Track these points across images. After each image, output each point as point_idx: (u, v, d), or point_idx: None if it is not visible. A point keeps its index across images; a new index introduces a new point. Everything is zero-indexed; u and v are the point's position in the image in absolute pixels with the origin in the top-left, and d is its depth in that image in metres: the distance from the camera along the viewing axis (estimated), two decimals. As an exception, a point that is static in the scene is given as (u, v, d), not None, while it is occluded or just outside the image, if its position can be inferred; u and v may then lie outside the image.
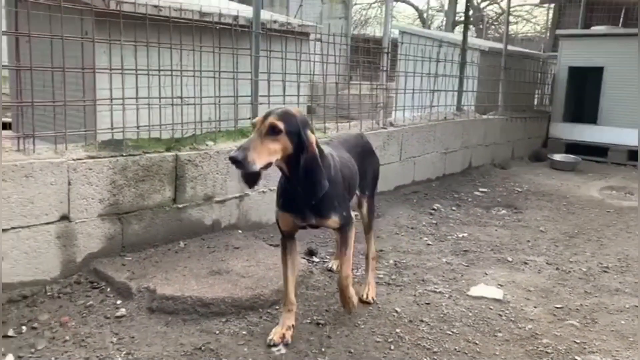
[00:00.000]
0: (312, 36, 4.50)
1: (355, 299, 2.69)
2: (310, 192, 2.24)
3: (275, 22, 4.19)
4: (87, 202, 2.97)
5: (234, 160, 2.06)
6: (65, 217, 2.89)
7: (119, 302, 2.77)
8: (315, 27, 4.58)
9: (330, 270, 3.33)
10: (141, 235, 3.24)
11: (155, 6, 3.38)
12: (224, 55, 3.69)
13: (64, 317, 2.62)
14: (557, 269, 3.61)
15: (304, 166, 2.21)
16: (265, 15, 4.13)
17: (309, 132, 2.24)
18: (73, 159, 2.90)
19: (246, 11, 4.08)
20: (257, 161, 2.09)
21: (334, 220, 2.46)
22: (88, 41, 3.05)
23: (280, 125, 2.15)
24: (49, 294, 2.81)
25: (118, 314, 2.66)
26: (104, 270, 2.96)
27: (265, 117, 2.18)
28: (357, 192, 2.88)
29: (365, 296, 2.93)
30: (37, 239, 2.79)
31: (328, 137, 2.99)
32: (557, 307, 3.02)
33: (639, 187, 6.01)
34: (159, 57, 3.33)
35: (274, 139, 2.15)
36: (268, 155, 2.14)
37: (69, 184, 2.88)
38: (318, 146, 2.29)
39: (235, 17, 3.78)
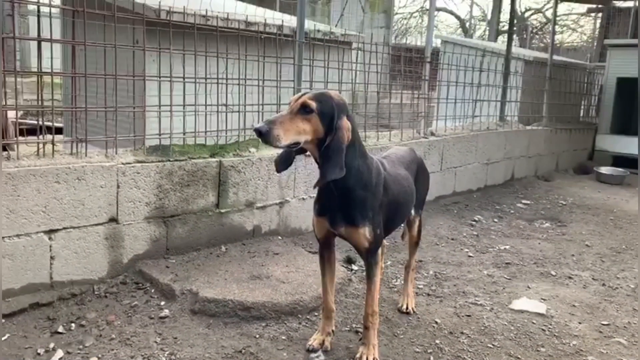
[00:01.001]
0: (354, 45, 4.52)
1: (376, 351, 2.40)
2: (324, 171, 2.07)
3: (318, 31, 4.24)
4: (134, 205, 3.06)
5: (258, 132, 1.96)
6: (113, 219, 2.98)
7: (162, 303, 2.84)
8: (358, 36, 4.61)
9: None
10: (185, 239, 3.32)
11: (203, 16, 3.47)
12: (267, 64, 3.75)
13: (111, 315, 2.70)
14: (603, 284, 3.51)
15: (327, 145, 2.07)
16: (309, 24, 4.18)
17: (344, 118, 2.11)
18: (122, 163, 3.00)
19: (290, 21, 4.15)
20: (283, 138, 1.98)
21: (363, 232, 2.25)
22: (139, 49, 3.16)
23: (313, 104, 2.05)
24: (96, 293, 2.90)
25: (162, 314, 2.73)
26: (148, 272, 3.05)
27: (301, 95, 2.10)
28: (412, 211, 2.79)
29: (405, 307, 2.92)
30: (87, 240, 2.89)
31: (384, 153, 2.80)
32: (604, 324, 2.93)
33: (639, 191, 5.80)
34: (206, 65, 3.41)
35: (304, 117, 2.04)
36: (295, 134, 2.03)
37: (118, 187, 2.98)
38: (355, 137, 2.18)
39: (280, 27, 3.85)
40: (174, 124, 3.29)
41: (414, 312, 2.92)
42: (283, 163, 2.24)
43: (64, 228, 2.80)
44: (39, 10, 2.83)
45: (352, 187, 2.20)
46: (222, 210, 3.48)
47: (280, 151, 2.26)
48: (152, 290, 2.95)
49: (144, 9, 3.26)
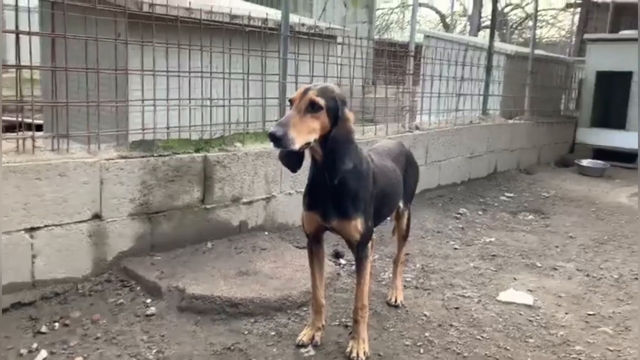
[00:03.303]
0: (339, 39, 4.50)
1: (366, 344, 2.39)
2: (333, 168, 2.07)
3: (303, 25, 4.20)
4: (118, 202, 3.00)
5: (273, 138, 1.91)
6: (97, 216, 2.93)
7: (148, 300, 2.80)
8: (343, 30, 4.58)
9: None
10: (170, 235, 3.27)
11: (187, 9, 3.41)
12: (252, 58, 3.71)
13: (95, 314, 2.65)
14: (587, 275, 3.55)
15: (333, 137, 2.05)
16: (294, 18, 4.15)
17: (347, 110, 2.11)
18: (105, 159, 2.94)
19: (275, 14, 4.11)
20: (297, 139, 1.95)
21: (355, 224, 2.23)
22: (121, 43, 3.09)
23: (321, 101, 2.02)
24: (80, 291, 2.85)
25: (148, 312, 2.68)
26: (134, 269, 3.00)
27: (305, 92, 2.04)
28: (400, 204, 2.79)
29: (394, 300, 2.92)
30: (70, 237, 2.83)
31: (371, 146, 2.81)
32: (589, 314, 2.96)
33: (639, 187, 5.89)
34: (190, 59, 3.36)
35: (313, 115, 2.01)
36: (308, 134, 2.00)
37: (101, 183, 2.92)
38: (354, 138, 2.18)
39: (265, 20, 3.80)
40: (157, 119, 3.23)
41: (402, 305, 2.92)
42: (297, 162, 2.17)
43: (46, 226, 2.73)
44: (17, 3, 2.75)
45: (347, 178, 2.18)
46: (208, 206, 3.44)
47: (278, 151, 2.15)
48: (138, 288, 2.90)
49: (126, 2, 3.19)
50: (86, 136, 3.02)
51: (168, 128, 3.32)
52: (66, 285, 2.84)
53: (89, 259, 2.92)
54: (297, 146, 1.96)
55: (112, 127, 3.17)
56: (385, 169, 2.53)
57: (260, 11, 4.11)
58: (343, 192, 2.20)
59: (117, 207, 3.01)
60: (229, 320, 2.66)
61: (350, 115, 2.12)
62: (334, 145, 2.07)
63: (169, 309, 2.73)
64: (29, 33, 2.75)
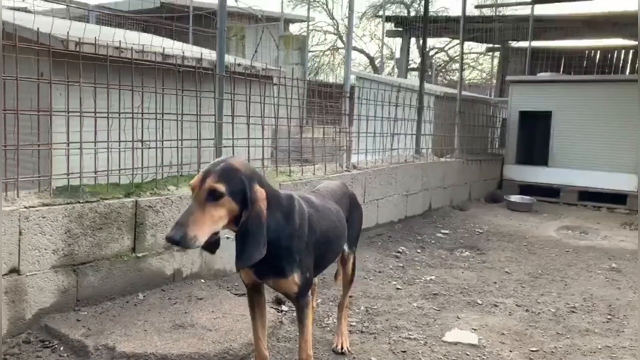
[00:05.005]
0: (274, 80, 4.47)
1: None
2: (246, 254, 1.91)
3: (239, 65, 4.15)
4: (39, 253, 2.75)
5: (172, 241, 1.77)
6: (15, 270, 2.66)
7: (73, 362, 2.54)
8: (279, 70, 4.57)
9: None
10: (97, 288, 3.03)
11: (117, 48, 3.27)
12: (186, 98, 3.59)
13: (11, 382, 2.37)
14: (526, 310, 3.59)
15: (243, 225, 1.90)
16: (229, 58, 4.09)
17: (256, 186, 1.94)
18: (25, 207, 2.70)
19: (209, 54, 4.03)
20: (200, 235, 1.80)
21: (292, 280, 2.11)
22: (44, 83, 2.90)
23: (221, 187, 1.85)
24: (-7, 356, 2.55)
25: (73, 376, 2.43)
26: (56, 327, 2.73)
27: (204, 178, 1.86)
28: (345, 248, 2.69)
29: (340, 347, 2.80)
30: (-18, 295, 2.55)
31: (314, 187, 2.70)
32: (532, 350, 2.98)
33: None
34: (120, 99, 3.20)
35: (215, 205, 1.84)
36: (212, 225, 1.84)
37: (20, 233, 2.66)
38: (274, 195, 2.06)
39: (199, 60, 3.72)
40: (84, 163, 3.03)
41: (349, 352, 2.81)
42: (213, 245, 2.02)
43: (-46, 283, 2.45)
44: None
45: (276, 239, 2.04)
46: (139, 255, 3.23)
47: None
48: (62, 348, 2.63)
49: (50, 40, 3.01)
50: (3, 183, 2.77)
51: (96, 172, 3.12)
52: (-23, 350, 2.53)
53: (4, 318, 2.63)
54: (200, 243, 1.82)
55: (34, 172, 2.94)
56: (328, 211, 2.44)
57: (194, 51, 4.02)
58: (275, 253, 2.06)
59: (38, 259, 2.75)
60: (164, 379, 2.45)
61: (260, 194, 1.95)
62: (246, 232, 1.91)
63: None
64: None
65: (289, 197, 2.18)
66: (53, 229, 2.80)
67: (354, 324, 3.20)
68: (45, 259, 2.78)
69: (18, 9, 6.20)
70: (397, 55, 19.30)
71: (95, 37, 3.18)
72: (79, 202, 2.92)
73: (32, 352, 2.61)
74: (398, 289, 3.91)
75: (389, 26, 14.67)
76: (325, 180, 2.97)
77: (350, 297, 3.53)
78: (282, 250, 2.09)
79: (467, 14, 8.46)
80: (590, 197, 7.59)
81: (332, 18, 22.38)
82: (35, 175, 2.91)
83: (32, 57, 2.96)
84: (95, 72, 3.07)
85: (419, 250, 4.99)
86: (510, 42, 13.52)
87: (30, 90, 2.88)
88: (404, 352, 2.87)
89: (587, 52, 13.15)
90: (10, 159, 2.78)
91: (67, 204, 2.87)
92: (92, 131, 3.05)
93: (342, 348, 2.81)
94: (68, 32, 3.13)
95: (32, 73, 2.94)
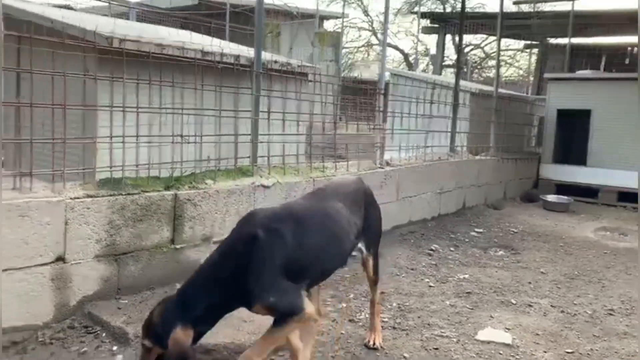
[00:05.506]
0: (310, 77, 4.51)
1: None
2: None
3: (275, 62, 4.20)
4: (83, 243, 2.86)
5: None
6: (60, 259, 2.77)
7: (115, 348, 2.64)
8: (314, 67, 4.61)
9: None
10: (137, 277, 3.13)
11: (158, 44, 3.36)
12: (224, 94, 3.67)
13: (57, 365, 2.48)
14: (562, 311, 3.55)
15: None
16: (266, 55, 4.15)
17: (177, 331, 2.08)
18: (71, 198, 2.81)
19: (247, 52, 4.09)
20: None
21: (267, 303, 2.11)
22: (90, 78, 3.01)
23: (147, 343, 2.14)
24: (40, 340, 2.67)
25: (115, 361, 2.53)
26: (99, 314, 2.84)
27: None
28: (363, 249, 2.66)
29: (372, 342, 2.83)
30: (30, 282, 2.67)
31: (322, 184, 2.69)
32: (568, 352, 2.94)
33: (639, 224, 6.03)
34: (160, 95, 3.29)
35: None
36: None
37: (66, 223, 2.78)
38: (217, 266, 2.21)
39: (237, 57, 3.78)
40: (126, 156, 3.13)
41: (381, 347, 2.83)
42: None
43: (5, 270, 2.56)
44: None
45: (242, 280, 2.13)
46: (178, 246, 3.32)
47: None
48: (104, 335, 2.74)
49: (95, 37, 3.11)
50: (51, 174, 2.89)
51: (137, 165, 3.21)
52: (25, 333, 2.66)
53: (51, 304, 2.75)
54: None
55: (79, 165, 3.05)
56: (319, 216, 2.35)
57: (232, 48, 4.10)
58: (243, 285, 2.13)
59: (83, 248, 2.86)
60: (201, 367, 2.53)
61: (179, 335, 2.06)
62: None
63: (137, 356, 2.57)
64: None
65: (248, 241, 2.18)
66: (97, 219, 2.90)
67: (386, 319, 3.22)
68: (89, 249, 2.89)
69: (61, 7, 6.41)
70: (432, 51, 19.11)
71: (138, 34, 3.27)
72: (121, 194, 3.02)
73: (77, 337, 2.72)
74: (431, 286, 3.91)
75: (425, 23, 14.54)
76: (339, 177, 2.95)
77: (382, 293, 3.55)
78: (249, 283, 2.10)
79: (504, 10, 8.30)
80: (630, 198, 7.38)
81: (367, 14, 22.26)
82: (81, 168, 3.02)
83: (79, 54, 3.07)
84: (137, 69, 3.16)
85: (452, 249, 4.97)
86: (549, 38, 13.25)
87: (77, 86, 2.99)
88: (436, 349, 2.88)
89: (629, 49, 12.78)
90: (58, 152, 2.89)
91: (110, 195, 2.98)
92: (134, 126, 3.15)
93: (374, 343, 2.83)
94: (113, 30, 3.23)
95: (79, 70, 3.05)
